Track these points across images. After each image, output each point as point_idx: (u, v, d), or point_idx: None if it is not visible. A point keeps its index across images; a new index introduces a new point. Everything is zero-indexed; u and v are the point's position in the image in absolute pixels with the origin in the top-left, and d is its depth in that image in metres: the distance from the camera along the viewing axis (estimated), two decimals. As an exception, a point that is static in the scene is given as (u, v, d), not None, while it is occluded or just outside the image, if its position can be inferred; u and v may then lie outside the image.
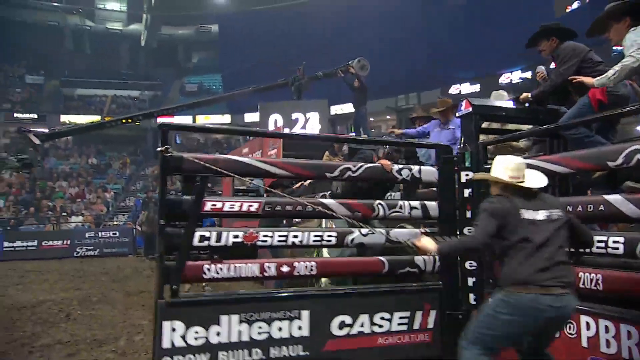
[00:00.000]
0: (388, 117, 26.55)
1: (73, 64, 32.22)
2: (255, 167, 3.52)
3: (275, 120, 11.94)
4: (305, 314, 3.36)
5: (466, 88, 22.50)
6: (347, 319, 3.47)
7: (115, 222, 21.67)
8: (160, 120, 29.21)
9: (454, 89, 22.81)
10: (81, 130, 15.85)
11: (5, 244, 17.86)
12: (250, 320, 3.21)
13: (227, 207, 3.45)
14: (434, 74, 23.26)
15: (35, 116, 28.37)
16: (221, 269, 3.31)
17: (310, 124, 11.17)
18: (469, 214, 3.79)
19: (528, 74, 18.60)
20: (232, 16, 30.95)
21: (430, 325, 3.68)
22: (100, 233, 18.57)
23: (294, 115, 11.02)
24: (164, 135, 3.26)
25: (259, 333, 3.23)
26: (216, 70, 32.17)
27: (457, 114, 4.79)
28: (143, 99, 31.91)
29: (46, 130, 11.16)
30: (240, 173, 3.51)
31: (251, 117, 26.52)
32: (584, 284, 2.96)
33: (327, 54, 20.53)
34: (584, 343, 2.87)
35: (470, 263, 3.79)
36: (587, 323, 2.87)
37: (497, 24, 20.87)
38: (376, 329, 3.53)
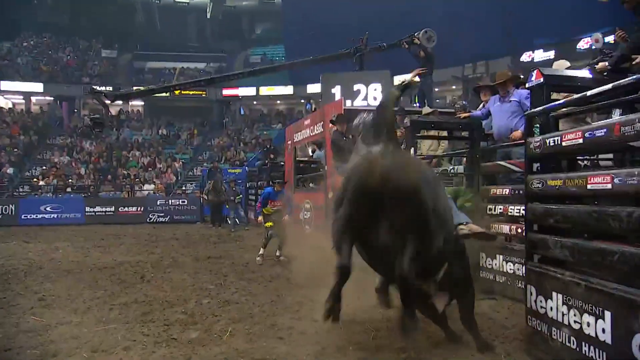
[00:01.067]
0: (454, 87, 25.70)
1: (144, 38, 33.42)
2: None
3: (335, 92, 11.87)
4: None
5: (539, 55, 21.12)
6: None
7: (184, 191, 22.65)
8: (225, 92, 30.04)
9: (525, 57, 21.51)
10: (146, 92, 16.75)
11: (87, 209, 19.27)
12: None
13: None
14: (504, 41, 21.92)
15: (111, 88, 29.73)
16: None
17: (372, 95, 11.00)
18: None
19: (612, 38, 17.13)
20: (295, -14, 30.72)
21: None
22: (170, 201, 19.56)
23: (356, 87, 10.87)
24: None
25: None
26: (279, 42, 32.27)
27: (527, 85, 4.57)
28: (209, 70, 32.68)
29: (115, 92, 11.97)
30: None
31: (314, 88, 26.52)
32: None
33: (392, 23, 19.97)
34: None
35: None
36: None
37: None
38: None
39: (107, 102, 10.11)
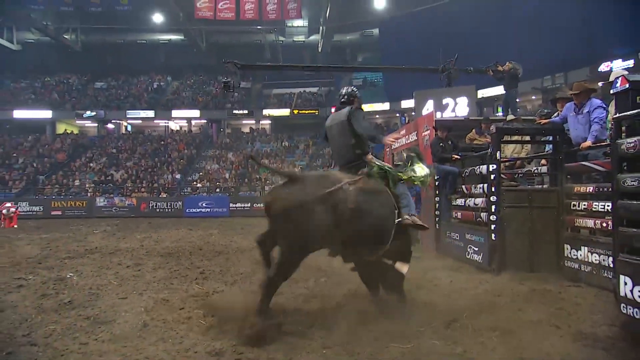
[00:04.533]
0: (533, 97, 23.56)
1: (270, 71, 35.07)
2: None
3: (427, 105, 11.47)
4: None
5: (618, 64, 17.95)
6: None
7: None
8: (333, 110, 30.59)
9: (604, 67, 18.70)
10: (264, 67, 18.15)
11: (231, 205, 20.70)
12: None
13: None
14: (582, 52, 19.26)
15: (246, 112, 31.76)
16: None
17: (459, 107, 10.52)
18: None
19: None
20: (390, 20, 30.25)
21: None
22: (292, 198, 20.32)
23: (445, 101, 10.46)
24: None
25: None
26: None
27: (611, 91, 4.04)
28: (320, 93, 33.47)
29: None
30: None
31: (407, 103, 26.07)
32: None
33: (479, 43, 18.84)
34: None
35: None
36: None
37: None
38: None
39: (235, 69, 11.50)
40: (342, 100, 4.14)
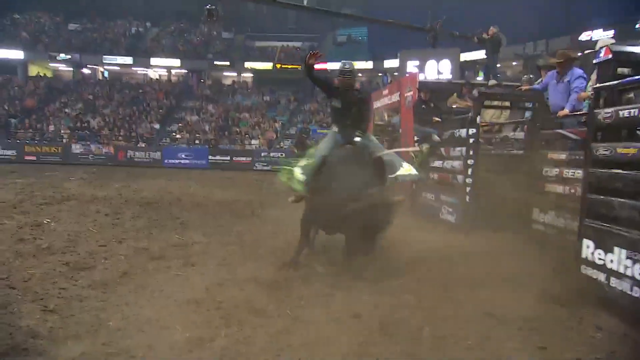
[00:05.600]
0: (514, 63, 23.43)
1: (254, 22, 33.58)
2: None
3: (411, 66, 11.31)
4: None
5: (598, 34, 17.81)
6: None
7: (282, 146, 23.18)
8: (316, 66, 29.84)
9: (584, 36, 18.50)
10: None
11: (210, 157, 20.42)
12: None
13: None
14: (564, 20, 19.01)
15: (228, 63, 30.59)
16: None
17: (442, 69, 10.40)
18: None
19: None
20: (378, -25, 29.08)
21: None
22: (271, 153, 20.16)
23: (429, 62, 10.32)
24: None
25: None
26: (363, 24, 30.98)
27: (594, 61, 4.03)
28: (304, 48, 32.36)
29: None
30: None
31: (391, 63, 25.58)
32: None
33: (465, 6, 18.31)
34: None
35: None
36: None
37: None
38: None
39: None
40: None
